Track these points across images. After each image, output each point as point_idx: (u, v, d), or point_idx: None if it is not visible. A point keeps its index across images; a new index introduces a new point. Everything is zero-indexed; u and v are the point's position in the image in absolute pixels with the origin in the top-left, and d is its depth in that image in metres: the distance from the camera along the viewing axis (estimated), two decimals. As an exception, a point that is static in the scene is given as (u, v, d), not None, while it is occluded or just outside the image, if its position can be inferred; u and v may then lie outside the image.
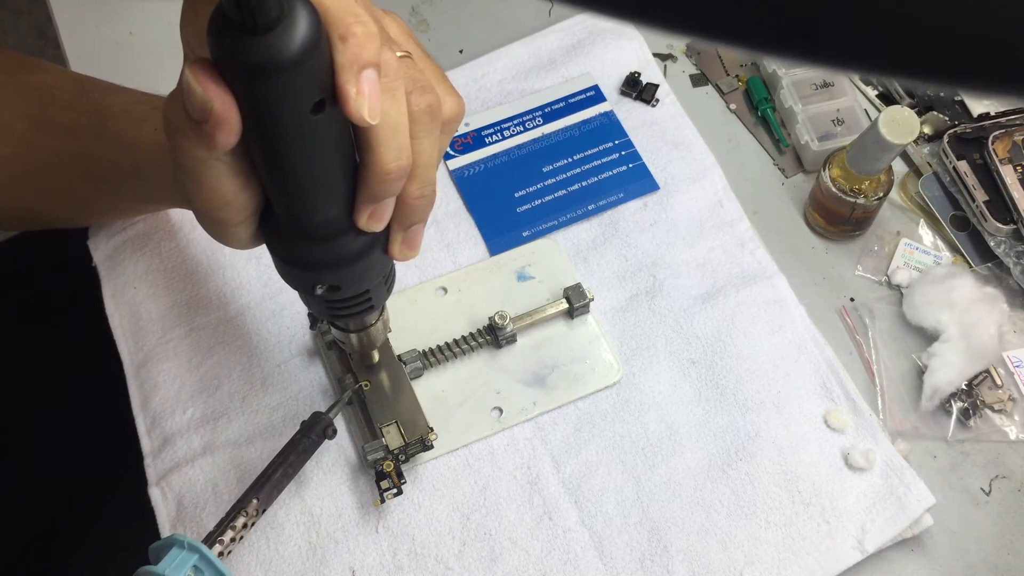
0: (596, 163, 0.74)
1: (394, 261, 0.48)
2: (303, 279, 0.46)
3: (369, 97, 0.37)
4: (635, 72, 0.77)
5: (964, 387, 0.66)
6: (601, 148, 0.75)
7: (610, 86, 0.77)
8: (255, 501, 0.57)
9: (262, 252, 0.70)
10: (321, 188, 0.41)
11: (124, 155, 0.57)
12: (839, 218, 0.70)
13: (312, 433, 0.60)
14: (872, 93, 0.78)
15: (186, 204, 0.55)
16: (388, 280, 0.50)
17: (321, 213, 0.42)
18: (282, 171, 0.40)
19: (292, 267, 0.45)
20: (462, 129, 0.75)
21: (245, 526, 0.56)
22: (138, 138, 0.56)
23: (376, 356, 0.63)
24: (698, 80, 0.80)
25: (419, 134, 0.42)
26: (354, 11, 0.37)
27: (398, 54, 0.41)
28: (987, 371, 0.67)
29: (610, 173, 0.74)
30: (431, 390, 0.65)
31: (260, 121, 0.37)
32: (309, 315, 0.66)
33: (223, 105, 0.36)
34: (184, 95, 0.37)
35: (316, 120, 0.37)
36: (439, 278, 0.70)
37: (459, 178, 0.74)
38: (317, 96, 0.37)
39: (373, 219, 0.43)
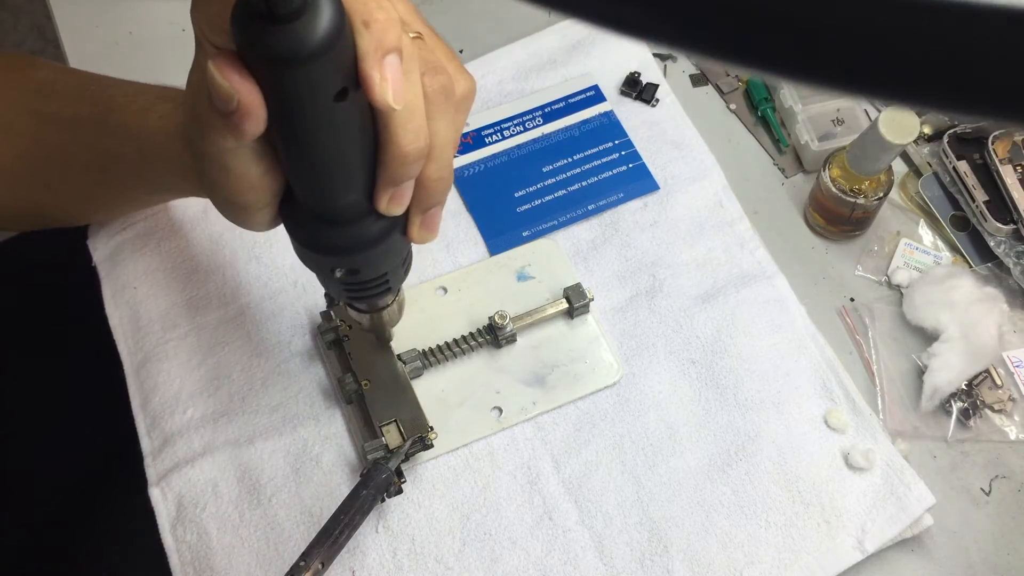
0: (596, 163, 0.74)
1: (412, 245, 0.49)
2: (323, 263, 0.46)
3: (393, 82, 0.38)
4: (635, 72, 0.77)
5: (964, 387, 0.66)
6: (601, 148, 0.75)
7: (610, 86, 0.77)
8: (320, 566, 0.55)
9: (262, 251, 0.71)
10: (343, 173, 0.41)
11: (130, 144, 0.58)
12: (839, 218, 0.70)
13: (371, 485, 0.58)
14: (872, 93, 0.78)
15: (197, 191, 0.56)
16: (405, 263, 0.50)
17: (342, 198, 0.43)
18: (305, 158, 0.40)
19: (312, 251, 0.45)
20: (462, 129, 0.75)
21: None
22: (143, 126, 0.56)
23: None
24: (698, 80, 0.80)
25: (434, 115, 0.42)
26: None
27: (410, 35, 0.41)
28: (987, 371, 0.67)
29: (610, 173, 0.74)
30: (431, 390, 0.65)
31: (285, 109, 0.38)
32: (326, 295, 0.66)
33: (249, 96, 0.37)
34: (209, 88, 0.37)
35: (339, 107, 0.37)
36: (439, 278, 0.70)
37: (459, 178, 0.74)
38: (341, 84, 0.37)
39: (393, 202, 0.43)
